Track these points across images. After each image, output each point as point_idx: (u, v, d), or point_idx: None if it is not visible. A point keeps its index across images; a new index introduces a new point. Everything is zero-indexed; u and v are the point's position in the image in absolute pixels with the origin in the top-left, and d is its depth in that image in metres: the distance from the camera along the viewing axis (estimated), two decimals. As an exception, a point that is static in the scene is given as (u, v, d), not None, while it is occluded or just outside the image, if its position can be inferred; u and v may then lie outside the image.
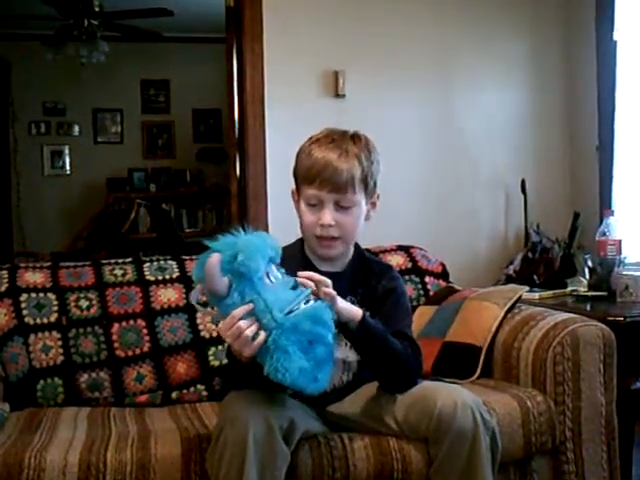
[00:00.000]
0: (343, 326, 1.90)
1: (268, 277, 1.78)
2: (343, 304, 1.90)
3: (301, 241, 2.16)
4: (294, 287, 1.80)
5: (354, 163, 2.03)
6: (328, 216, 2.03)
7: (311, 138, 2.11)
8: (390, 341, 1.97)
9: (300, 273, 1.85)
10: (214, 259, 1.75)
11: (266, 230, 3.82)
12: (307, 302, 1.78)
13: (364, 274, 2.15)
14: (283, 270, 1.85)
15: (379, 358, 1.99)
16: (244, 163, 3.97)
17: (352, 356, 2.08)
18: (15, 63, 7.74)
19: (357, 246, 2.19)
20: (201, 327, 2.62)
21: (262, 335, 1.74)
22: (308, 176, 2.04)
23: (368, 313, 2.00)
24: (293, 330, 1.72)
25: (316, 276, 1.85)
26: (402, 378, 2.01)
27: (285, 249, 2.16)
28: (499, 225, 4.16)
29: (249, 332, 1.74)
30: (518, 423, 2.20)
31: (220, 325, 1.81)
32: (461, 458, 1.88)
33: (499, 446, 1.95)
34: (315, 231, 2.05)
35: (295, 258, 2.11)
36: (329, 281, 1.86)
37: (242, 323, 1.74)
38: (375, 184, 2.11)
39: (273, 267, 1.81)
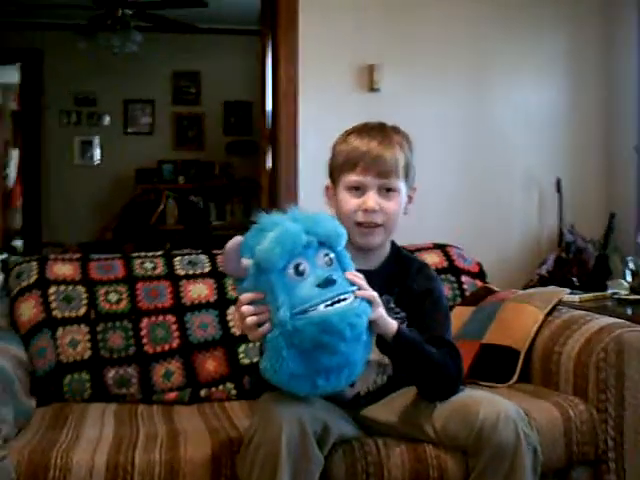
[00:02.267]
0: (378, 337, 1.84)
1: (296, 270, 1.69)
2: (381, 313, 1.81)
3: None
4: (328, 282, 1.70)
5: (397, 149, 2.01)
6: (372, 199, 1.98)
7: (346, 131, 2.08)
8: (427, 352, 1.90)
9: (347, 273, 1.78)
10: (234, 242, 1.70)
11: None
12: (335, 303, 1.68)
13: (400, 272, 2.08)
14: (342, 253, 1.78)
15: (416, 369, 1.92)
16: (276, 156, 3.93)
17: (387, 358, 2.01)
18: (47, 52, 7.74)
19: (393, 243, 2.13)
20: (232, 324, 2.57)
21: (266, 326, 1.69)
22: (349, 162, 2.00)
23: (405, 325, 1.95)
24: (294, 334, 1.65)
25: (359, 280, 1.78)
26: (441, 387, 1.94)
27: None
28: (533, 224, 4.09)
29: (249, 321, 1.70)
30: (560, 432, 2.13)
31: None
32: (500, 473, 1.81)
33: (540, 463, 1.88)
34: (357, 217, 1.99)
35: None
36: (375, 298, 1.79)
37: (245, 309, 1.71)
38: (414, 176, 2.07)
39: (321, 255, 1.73)
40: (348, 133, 2.06)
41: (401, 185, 2.02)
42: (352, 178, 2.00)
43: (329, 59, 3.83)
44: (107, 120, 8.10)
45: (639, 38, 3.89)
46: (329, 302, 1.68)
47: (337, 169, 2.04)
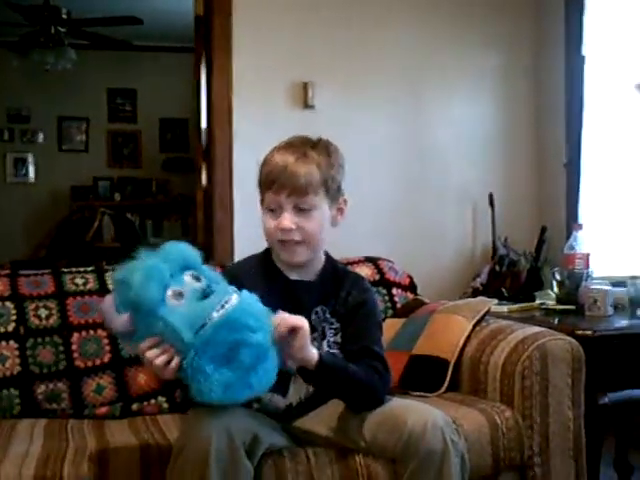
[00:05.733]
0: (300, 367, 1.87)
1: (174, 296, 1.71)
2: (302, 353, 1.82)
3: (268, 250, 2.12)
4: (207, 294, 1.73)
5: (312, 166, 1.99)
6: (287, 220, 1.98)
7: (274, 147, 2.08)
8: (351, 373, 1.93)
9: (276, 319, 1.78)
10: (105, 302, 1.73)
11: (232, 241, 3.78)
12: (224, 305, 1.70)
13: (335, 284, 2.10)
14: (204, 269, 1.80)
15: (341, 391, 1.96)
16: (210, 173, 3.93)
17: None
18: (-21, 69, 7.63)
19: (328, 255, 2.15)
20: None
21: (175, 360, 1.69)
22: (267, 181, 2.01)
23: (339, 335, 2.02)
24: (206, 347, 1.67)
25: (290, 321, 1.79)
26: (367, 402, 1.97)
27: (251, 259, 2.14)
28: (467, 238, 4.15)
29: (159, 362, 1.70)
30: (487, 439, 2.17)
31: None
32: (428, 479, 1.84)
33: (467, 469, 1.92)
34: (277, 236, 2.01)
35: (263, 268, 2.09)
36: (303, 325, 1.80)
37: (149, 354, 1.71)
38: (339, 188, 2.06)
39: (187, 276, 1.75)
40: (274, 149, 2.06)
41: (319, 202, 2.01)
42: (269, 197, 2.00)
43: (263, 76, 3.85)
44: (41, 137, 8.01)
45: (567, 57, 3.98)
46: (219, 307, 1.69)
47: (261, 185, 2.05)
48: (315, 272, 2.11)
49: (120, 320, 1.72)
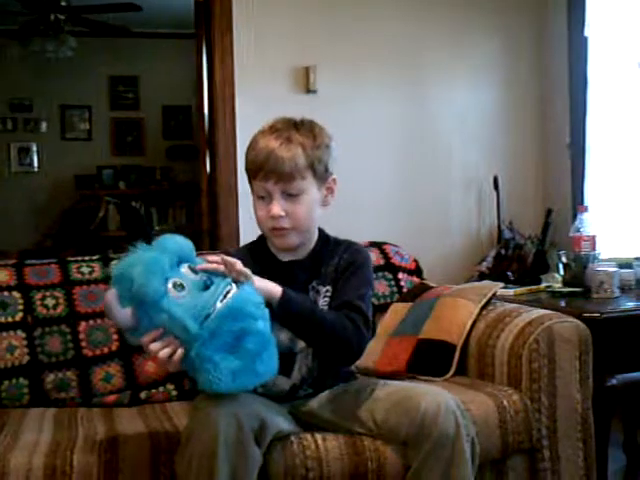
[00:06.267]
0: (267, 304, 1.85)
1: (175, 287, 1.71)
2: (261, 283, 1.84)
3: (262, 236, 2.13)
4: (208, 285, 1.74)
5: (297, 151, 1.97)
6: (276, 207, 1.98)
7: (258, 130, 2.07)
8: (317, 314, 1.95)
9: (209, 257, 1.83)
10: (108, 297, 1.72)
11: (237, 227, 3.79)
12: (226, 295, 1.71)
13: (328, 255, 2.10)
14: (199, 261, 1.81)
15: (309, 333, 1.94)
16: (214, 159, 3.94)
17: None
18: (-21, 59, 7.61)
19: (322, 232, 2.15)
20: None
21: (179, 352, 1.70)
22: (253, 168, 2.01)
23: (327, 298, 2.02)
24: (213, 336, 1.68)
25: (224, 258, 1.80)
26: (338, 351, 1.97)
27: (245, 247, 2.18)
28: (472, 222, 4.15)
29: (163, 354, 1.71)
30: (495, 423, 2.16)
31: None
32: (441, 463, 1.84)
33: (477, 454, 1.93)
34: (267, 224, 2.02)
35: (256, 254, 2.10)
36: (238, 261, 1.80)
37: (153, 347, 1.72)
38: (327, 169, 2.05)
39: (184, 269, 1.76)
40: (258, 133, 2.05)
41: (307, 185, 2.01)
42: (257, 185, 2.01)
43: (265, 61, 3.84)
44: (44, 126, 8.00)
45: (570, 38, 3.97)
46: (221, 297, 1.71)
47: (248, 172, 2.05)
48: (308, 250, 2.11)
49: (124, 314, 1.72)
